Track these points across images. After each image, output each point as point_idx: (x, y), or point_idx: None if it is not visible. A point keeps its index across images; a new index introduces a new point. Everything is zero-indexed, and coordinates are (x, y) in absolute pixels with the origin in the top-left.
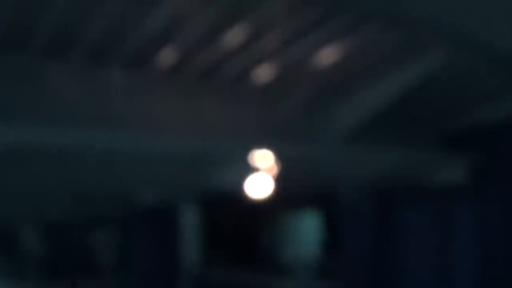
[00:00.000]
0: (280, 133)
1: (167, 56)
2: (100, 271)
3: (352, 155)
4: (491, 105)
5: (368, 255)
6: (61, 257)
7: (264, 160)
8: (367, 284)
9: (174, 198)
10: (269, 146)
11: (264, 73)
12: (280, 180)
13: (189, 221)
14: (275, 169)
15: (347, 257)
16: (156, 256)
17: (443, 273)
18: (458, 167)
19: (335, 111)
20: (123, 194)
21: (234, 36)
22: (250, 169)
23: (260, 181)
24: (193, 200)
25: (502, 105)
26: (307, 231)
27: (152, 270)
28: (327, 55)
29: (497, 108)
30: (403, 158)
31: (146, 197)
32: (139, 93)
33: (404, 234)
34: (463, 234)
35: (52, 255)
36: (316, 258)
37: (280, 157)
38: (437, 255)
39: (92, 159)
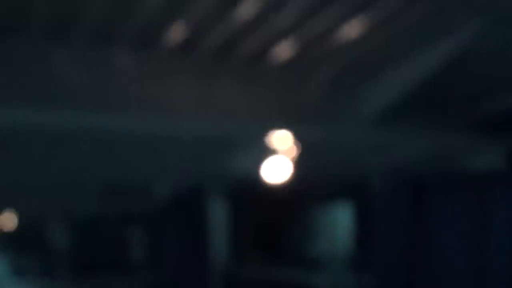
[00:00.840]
0: (303, 115)
1: (177, 34)
2: (131, 268)
3: (381, 139)
4: None
5: (402, 246)
6: (91, 254)
7: (282, 142)
8: (401, 276)
9: (195, 189)
10: (289, 128)
11: (284, 50)
12: (304, 166)
13: (218, 216)
14: (294, 151)
15: (380, 249)
16: (185, 253)
17: (480, 264)
18: (494, 151)
19: (363, 91)
20: (141, 185)
21: (250, 9)
22: (267, 152)
23: (279, 164)
24: (219, 194)
25: None
26: (339, 223)
27: (181, 267)
28: (352, 31)
29: None
30: (436, 142)
31: (166, 188)
32: (148, 75)
33: (440, 223)
34: (502, 223)
35: (82, 253)
36: (349, 251)
37: (304, 141)
38: (474, 245)
39: (103, 146)
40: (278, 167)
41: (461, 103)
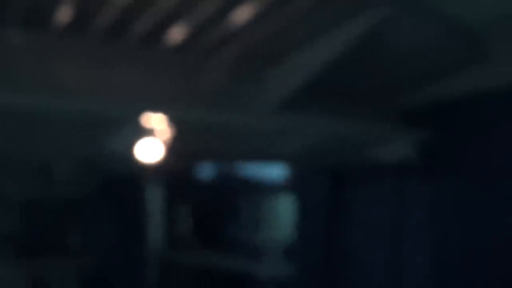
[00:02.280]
0: (200, 99)
1: (66, 13)
2: (70, 252)
3: (284, 125)
4: (447, 79)
5: (320, 235)
6: (30, 238)
7: (157, 124)
8: (320, 265)
9: (131, 174)
10: (179, 111)
11: (177, 33)
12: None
13: (155, 200)
14: (166, 133)
15: (301, 238)
16: (122, 238)
17: (394, 253)
18: (407, 143)
19: (265, 76)
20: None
21: None
22: (143, 133)
23: (151, 145)
24: (156, 178)
25: (458, 80)
26: (277, 212)
27: (118, 252)
28: (247, 13)
29: (452, 83)
30: (344, 130)
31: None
32: (37, 54)
33: (355, 212)
34: (415, 213)
35: (21, 237)
36: (286, 240)
37: (200, 127)
38: (388, 235)
39: None
40: (149, 148)
41: (371, 91)
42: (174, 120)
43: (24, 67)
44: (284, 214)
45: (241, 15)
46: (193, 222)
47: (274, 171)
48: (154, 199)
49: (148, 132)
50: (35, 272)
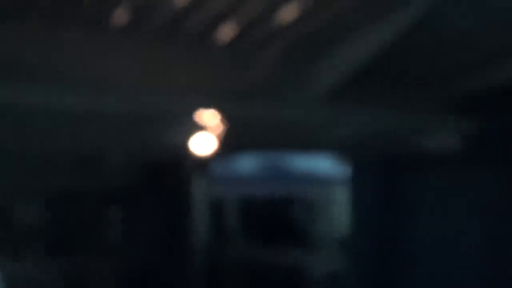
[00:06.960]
0: (251, 92)
1: (122, 14)
2: (106, 249)
3: (330, 116)
4: (490, 69)
5: (374, 222)
6: (63, 234)
7: (209, 119)
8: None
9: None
10: (235, 104)
11: (228, 30)
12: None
13: (199, 193)
14: (219, 128)
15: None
16: (164, 233)
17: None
18: (454, 132)
19: (313, 68)
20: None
21: None
22: (196, 128)
23: (205, 139)
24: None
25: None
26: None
27: (159, 249)
28: (296, 8)
29: (496, 73)
30: (392, 120)
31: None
32: (97, 51)
33: (407, 201)
34: (465, 200)
35: (52, 232)
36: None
37: (250, 120)
38: (440, 221)
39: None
40: (203, 142)
41: (418, 81)
42: (226, 115)
43: (83, 64)
44: (338, 205)
45: (287, 12)
46: (243, 215)
47: (327, 162)
48: (201, 191)
49: (201, 127)
50: (70, 271)
